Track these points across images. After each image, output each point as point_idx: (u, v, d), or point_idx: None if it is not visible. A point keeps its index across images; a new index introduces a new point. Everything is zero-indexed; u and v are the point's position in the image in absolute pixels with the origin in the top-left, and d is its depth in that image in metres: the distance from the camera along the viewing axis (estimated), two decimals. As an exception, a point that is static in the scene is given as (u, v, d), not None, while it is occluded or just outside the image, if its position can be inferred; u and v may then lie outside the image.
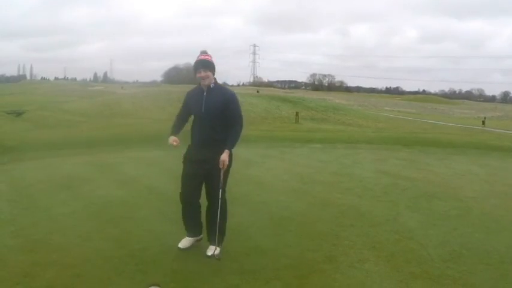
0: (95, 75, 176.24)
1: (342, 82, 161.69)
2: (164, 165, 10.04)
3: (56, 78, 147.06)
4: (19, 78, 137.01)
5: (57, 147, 14.64)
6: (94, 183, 8.12)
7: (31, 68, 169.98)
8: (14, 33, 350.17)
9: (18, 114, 33.77)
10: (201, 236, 5.15)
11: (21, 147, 15.66)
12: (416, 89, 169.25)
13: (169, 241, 5.21)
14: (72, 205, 6.76)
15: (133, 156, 11.62)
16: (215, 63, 4.78)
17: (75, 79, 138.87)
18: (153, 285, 4.07)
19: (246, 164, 10.36)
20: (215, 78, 4.79)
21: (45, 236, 5.42)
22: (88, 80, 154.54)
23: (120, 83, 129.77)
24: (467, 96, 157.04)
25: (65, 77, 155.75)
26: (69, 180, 8.33)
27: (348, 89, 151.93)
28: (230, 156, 4.71)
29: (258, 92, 69.61)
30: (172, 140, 4.79)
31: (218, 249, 4.84)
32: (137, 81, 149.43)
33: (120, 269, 4.45)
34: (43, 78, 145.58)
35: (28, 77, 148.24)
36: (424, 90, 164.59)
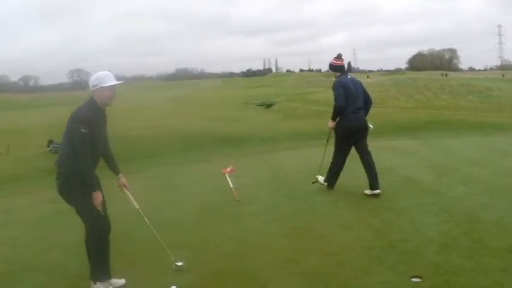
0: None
1: None
2: (420, 154, 10.01)
3: (301, 70, 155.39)
4: (265, 72, 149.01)
5: (309, 137, 15.64)
6: (350, 172, 8.46)
7: (276, 61, 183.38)
8: (260, 30, 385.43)
9: (268, 106, 36.60)
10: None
11: (275, 138, 17.13)
12: None
13: (430, 233, 5.33)
14: (331, 194, 7.38)
15: (387, 145, 11.79)
16: (334, 65, 7.59)
17: (319, 70, 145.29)
18: (415, 277, 4.20)
19: (503, 154, 9.70)
20: (336, 74, 7.54)
21: (307, 224, 6.06)
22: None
23: (364, 72, 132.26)
24: None
25: (309, 68, 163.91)
26: (324, 170, 8.83)
27: None
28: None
29: (503, 76, 64.06)
30: None
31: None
32: (381, 69, 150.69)
33: (382, 259, 4.72)
34: (288, 71, 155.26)
35: (273, 70, 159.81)
36: None
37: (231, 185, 7.83)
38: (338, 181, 7.76)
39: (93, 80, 4.58)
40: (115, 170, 5.01)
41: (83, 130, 4.34)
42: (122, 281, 4.78)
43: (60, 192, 4.62)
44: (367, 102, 7.54)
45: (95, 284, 4.65)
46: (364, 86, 7.72)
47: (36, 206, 8.57)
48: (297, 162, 9.25)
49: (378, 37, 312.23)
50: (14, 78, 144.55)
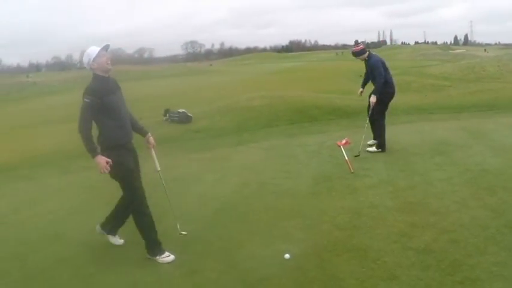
0: (455, 38, 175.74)
1: None
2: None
3: (416, 43, 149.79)
4: (379, 44, 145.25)
5: (426, 111, 15.18)
6: (468, 149, 8.31)
7: (391, 33, 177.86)
8: (375, 1, 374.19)
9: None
10: None
11: (390, 111, 16.72)
12: None
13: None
14: (447, 170, 7.19)
15: (506, 122, 11.20)
16: (358, 50, 8.71)
17: (435, 43, 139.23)
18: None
19: None
20: (368, 54, 8.71)
21: (422, 199, 6.03)
22: (448, 43, 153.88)
23: (481, 45, 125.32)
24: None
25: (425, 41, 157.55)
26: (442, 145, 8.73)
27: None
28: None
29: None
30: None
31: None
32: (499, 42, 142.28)
33: (497, 239, 4.64)
34: (403, 43, 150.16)
35: (388, 43, 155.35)
36: None
37: (346, 157, 7.90)
38: (454, 158, 7.65)
39: (84, 60, 4.87)
40: (142, 132, 5.32)
41: (85, 100, 4.65)
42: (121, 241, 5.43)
43: None
44: None
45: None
46: None
47: (152, 172, 8.84)
48: (413, 136, 9.09)
49: (497, 8, 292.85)
50: (129, 50, 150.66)
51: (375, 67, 8.47)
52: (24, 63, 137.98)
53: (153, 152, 5.42)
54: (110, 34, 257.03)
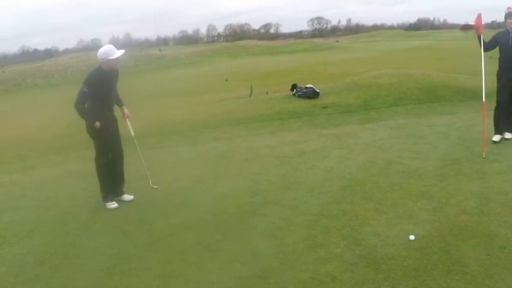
0: None
1: None
2: None
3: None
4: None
5: None
6: None
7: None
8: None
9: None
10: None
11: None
12: None
13: None
14: None
15: None
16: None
17: None
18: None
19: None
20: None
21: None
22: None
23: None
24: None
25: None
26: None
27: None
28: None
29: None
30: None
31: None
32: None
33: None
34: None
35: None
36: None
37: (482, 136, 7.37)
38: None
39: (99, 54, 5.84)
40: (120, 104, 6.41)
41: (84, 89, 5.80)
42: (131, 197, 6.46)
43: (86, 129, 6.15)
44: None
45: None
46: None
47: (280, 146, 9.13)
48: None
49: None
50: (256, 25, 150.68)
51: None
52: (152, 37, 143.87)
53: (128, 121, 6.51)
54: (237, 9, 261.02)
